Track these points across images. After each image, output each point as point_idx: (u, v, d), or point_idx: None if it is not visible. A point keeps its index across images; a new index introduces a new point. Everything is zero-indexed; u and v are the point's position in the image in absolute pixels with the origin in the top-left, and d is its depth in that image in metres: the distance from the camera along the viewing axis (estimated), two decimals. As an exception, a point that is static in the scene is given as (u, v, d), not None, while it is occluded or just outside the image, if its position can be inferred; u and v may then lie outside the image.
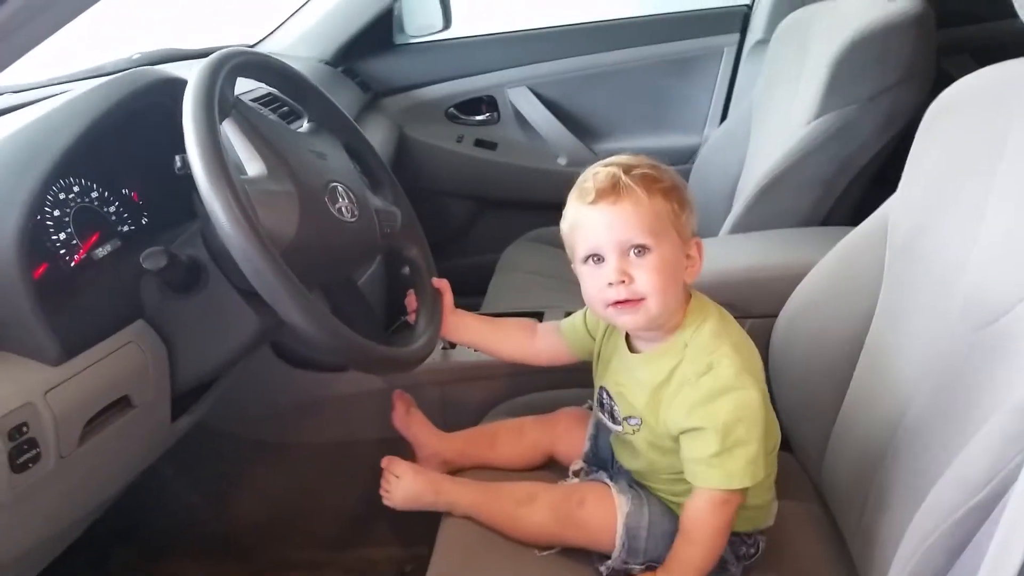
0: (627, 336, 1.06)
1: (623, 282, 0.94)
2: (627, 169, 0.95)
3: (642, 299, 0.94)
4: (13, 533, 0.83)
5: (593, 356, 1.13)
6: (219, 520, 1.58)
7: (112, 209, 1.02)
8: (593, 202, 0.94)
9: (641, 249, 0.94)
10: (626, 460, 1.11)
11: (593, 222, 0.95)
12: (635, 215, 0.93)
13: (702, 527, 0.97)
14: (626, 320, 0.97)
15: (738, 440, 0.94)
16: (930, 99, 1.06)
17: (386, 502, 1.15)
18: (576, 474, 1.17)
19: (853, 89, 1.44)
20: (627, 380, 1.05)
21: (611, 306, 0.96)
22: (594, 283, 0.97)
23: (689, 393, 0.96)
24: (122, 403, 0.91)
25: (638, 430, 1.04)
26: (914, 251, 1.02)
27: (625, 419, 1.05)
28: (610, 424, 1.09)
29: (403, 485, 1.13)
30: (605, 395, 1.09)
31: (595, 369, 1.13)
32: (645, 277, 0.93)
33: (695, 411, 0.95)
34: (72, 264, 0.94)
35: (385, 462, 1.16)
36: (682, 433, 0.97)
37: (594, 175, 0.96)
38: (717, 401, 0.94)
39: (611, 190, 0.94)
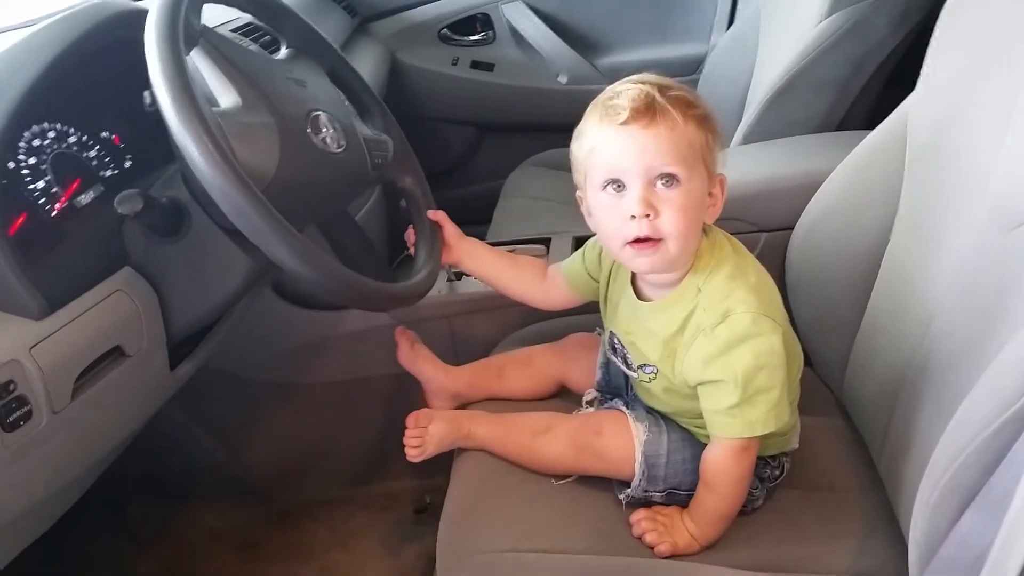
0: (633, 278, 1.00)
1: (647, 216, 0.86)
2: (662, 89, 0.86)
3: (661, 239, 0.88)
4: (14, 491, 0.81)
5: (600, 295, 1.09)
6: (236, 464, 1.58)
7: (93, 154, 0.97)
8: (625, 123, 0.85)
9: (670, 179, 0.86)
10: (646, 399, 1.07)
11: (620, 144, 0.87)
12: (669, 140, 0.85)
13: (724, 476, 0.94)
14: (643, 262, 0.91)
15: (759, 388, 0.89)
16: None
17: (418, 459, 1.10)
18: (590, 403, 1.14)
19: (867, -18, 1.36)
20: (637, 329, 1.00)
21: (629, 244, 0.89)
22: (613, 215, 0.89)
23: (704, 344, 0.90)
24: (115, 354, 0.88)
25: (654, 378, 1.00)
26: (936, 152, 0.97)
27: (640, 367, 1.01)
28: (624, 368, 1.06)
29: (431, 436, 1.10)
30: (616, 341, 1.05)
31: (603, 311, 1.09)
32: (670, 216, 0.86)
33: (712, 363, 0.90)
34: (53, 213, 0.89)
35: (411, 421, 1.11)
36: (700, 384, 0.93)
37: (626, 91, 0.87)
38: (735, 351, 0.89)
39: (645, 111, 0.85)
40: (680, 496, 0.99)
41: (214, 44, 0.88)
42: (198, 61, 0.87)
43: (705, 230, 0.95)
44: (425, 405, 1.20)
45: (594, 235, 1.05)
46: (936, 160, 0.97)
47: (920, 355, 0.92)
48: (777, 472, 1.02)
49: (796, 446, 1.04)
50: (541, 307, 1.18)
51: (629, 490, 1.00)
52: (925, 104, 1.01)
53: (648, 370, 1.00)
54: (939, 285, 0.92)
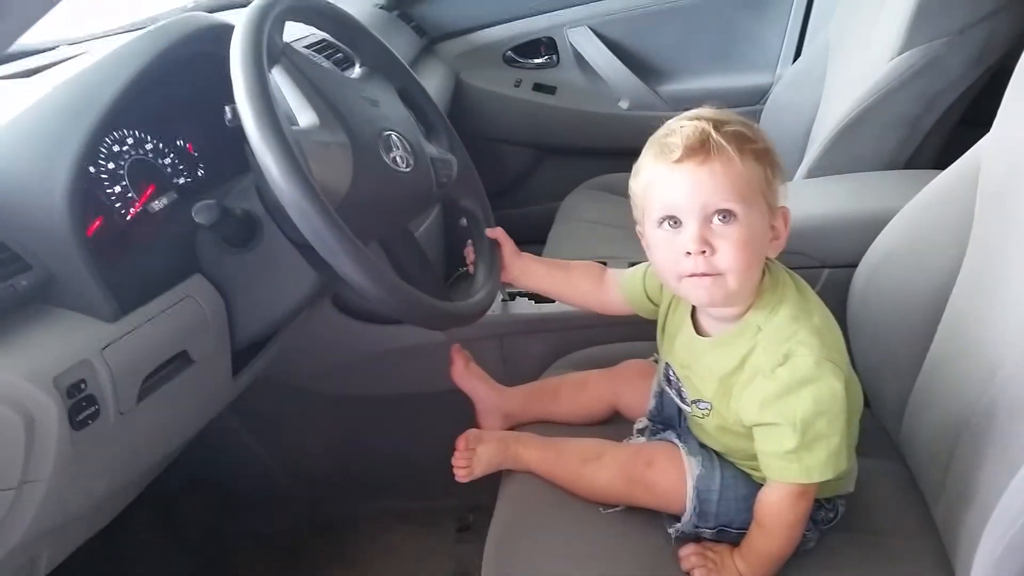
0: (693, 311, 1.00)
1: (703, 253, 0.85)
2: (717, 125, 0.85)
3: (720, 274, 0.87)
4: (76, 489, 0.83)
5: (658, 325, 1.08)
6: (283, 471, 1.60)
7: (167, 161, 1.00)
8: (679, 160, 0.85)
9: (727, 215, 0.85)
10: (699, 435, 1.05)
11: (674, 182, 0.86)
12: (725, 177, 0.84)
13: (779, 520, 0.92)
14: (701, 294, 0.89)
15: (819, 435, 0.87)
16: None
17: (466, 479, 1.11)
18: (641, 432, 1.13)
19: (942, 20, 1.35)
20: (694, 364, 0.99)
21: (686, 278, 0.88)
22: (669, 251, 0.89)
23: (763, 385, 0.89)
24: (181, 359, 0.89)
25: (707, 415, 0.98)
26: (1010, 196, 0.95)
27: (694, 402, 1.00)
28: (678, 401, 1.05)
29: (479, 458, 1.10)
30: (671, 373, 1.04)
31: (659, 341, 1.08)
32: (728, 251, 0.85)
33: (770, 406, 0.88)
34: (128, 218, 0.92)
35: (460, 442, 1.12)
36: (756, 426, 0.91)
37: (680, 129, 0.87)
38: (794, 395, 0.87)
39: (700, 148, 0.84)
40: (731, 534, 0.98)
41: (294, 62, 0.91)
42: (279, 79, 0.89)
43: (768, 267, 0.94)
44: (476, 424, 1.21)
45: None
46: (1009, 204, 0.94)
47: (985, 403, 0.90)
48: (831, 515, 1.00)
49: (851, 490, 1.02)
50: (599, 311, 1.17)
51: (679, 525, 0.98)
52: (1000, 146, 0.99)
53: (702, 406, 0.99)
54: (1008, 332, 0.89)
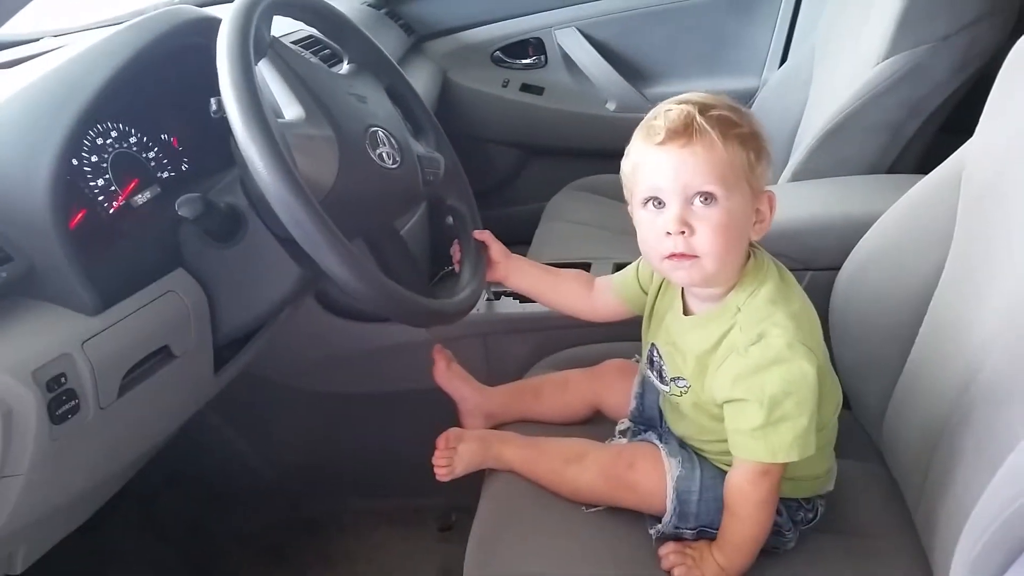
0: (682, 292, 1.01)
1: (682, 233, 0.87)
2: (703, 109, 0.87)
3: (698, 257, 0.88)
4: (55, 483, 0.82)
5: (645, 310, 1.09)
6: (267, 468, 1.59)
7: (151, 155, 1.00)
8: (661, 143, 0.87)
9: (707, 197, 0.87)
10: (674, 423, 1.07)
11: (658, 164, 0.88)
12: (706, 160, 0.86)
13: (744, 501, 0.93)
14: (681, 275, 0.92)
15: (785, 415, 0.88)
16: (1012, 38, 0.99)
17: (446, 478, 1.11)
18: (623, 434, 1.14)
19: (927, 27, 1.35)
20: (678, 340, 1.00)
21: (667, 259, 0.90)
22: (651, 231, 0.91)
23: (736, 362, 0.90)
24: (162, 353, 0.89)
25: (685, 392, 0.99)
26: (992, 201, 0.96)
27: (673, 380, 1.01)
28: (658, 383, 1.05)
29: (460, 457, 1.10)
30: (655, 353, 1.05)
31: (646, 324, 1.09)
32: (706, 235, 0.87)
33: (740, 382, 0.89)
34: (110, 211, 0.91)
35: (441, 441, 1.12)
36: (726, 403, 0.92)
37: (665, 112, 0.88)
38: (764, 373, 0.88)
39: (683, 131, 0.86)
40: (711, 535, 0.98)
41: (281, 56, 0.91)
42: (265, 72, 0.89)
43: (753, 251, 0.95)
44: (459, 423, 1.21)
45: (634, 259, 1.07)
46: (990, 209, 0.95)
47: (965, 404, 0.91)
48: (811, 515, 1.00)
49: (831, 489, 1.03)
50: (588, 319, 1.18)
51: (660, 526, 0.99)
52: (982, 151, 1.00)
53: (681, 384, 1.00)
54: (988, 335, 0.90)
